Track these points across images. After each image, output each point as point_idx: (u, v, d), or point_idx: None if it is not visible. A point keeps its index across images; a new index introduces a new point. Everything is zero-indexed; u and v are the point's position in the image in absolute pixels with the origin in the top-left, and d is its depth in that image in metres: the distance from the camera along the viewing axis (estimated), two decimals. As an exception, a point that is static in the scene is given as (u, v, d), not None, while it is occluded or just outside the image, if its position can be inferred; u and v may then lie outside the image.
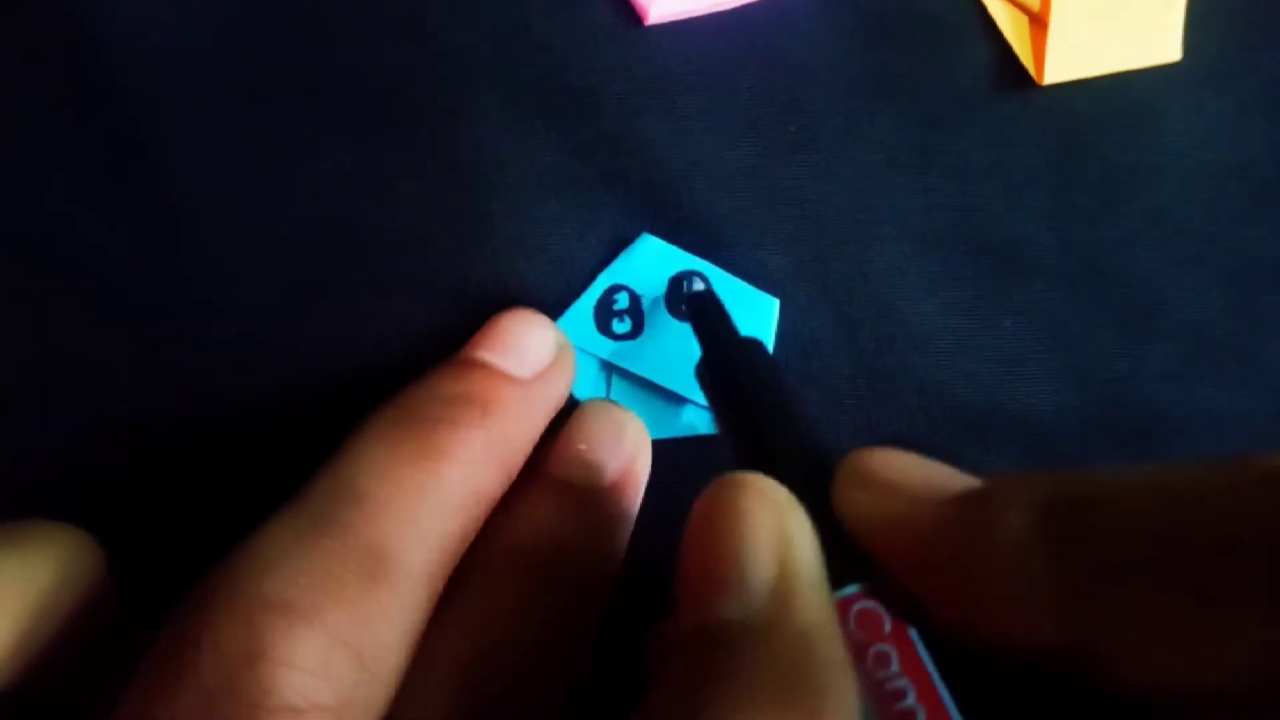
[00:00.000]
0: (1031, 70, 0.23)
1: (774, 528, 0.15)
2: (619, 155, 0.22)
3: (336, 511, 0.17)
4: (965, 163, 0.23)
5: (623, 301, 0.22)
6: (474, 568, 0.19)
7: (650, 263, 0.22)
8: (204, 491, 0.22)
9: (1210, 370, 0.24)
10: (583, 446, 0.21)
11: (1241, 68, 0.24)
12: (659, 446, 0.22)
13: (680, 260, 0.22)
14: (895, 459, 0.16)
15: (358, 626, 0.16)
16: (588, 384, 0.23)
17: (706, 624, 0.15)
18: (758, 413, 0.18)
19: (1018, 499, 0.14)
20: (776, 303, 0.23)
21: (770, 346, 0.23)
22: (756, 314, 0.23)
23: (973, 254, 0.23)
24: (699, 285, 0.22)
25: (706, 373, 0.20)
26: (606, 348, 0.22)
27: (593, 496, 0.20)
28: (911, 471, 0.16)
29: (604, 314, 0.22)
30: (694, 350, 0.21)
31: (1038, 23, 0.23)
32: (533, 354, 0.20)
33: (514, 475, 0.20)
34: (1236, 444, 0.24)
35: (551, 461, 0.21)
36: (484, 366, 0.20)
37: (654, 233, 0.23)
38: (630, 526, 0.21)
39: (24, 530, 0.17)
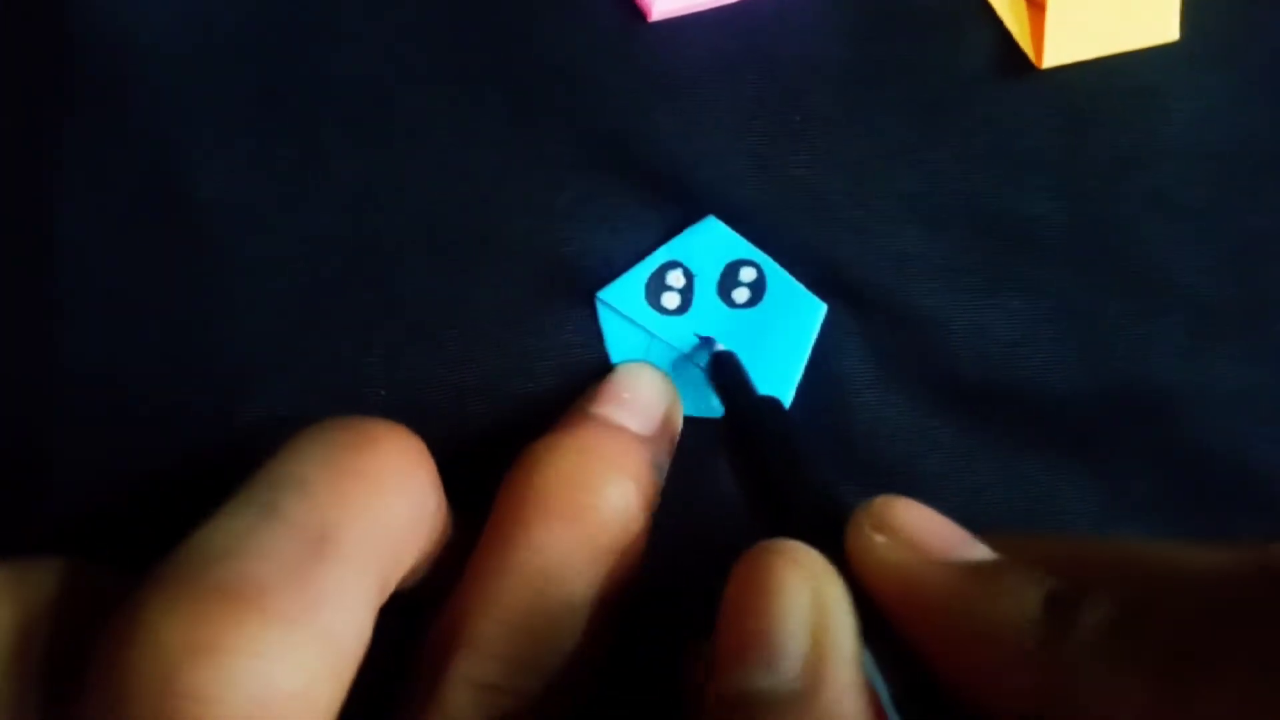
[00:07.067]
0: (1030, 54, 0.23)
1: (810, 599, 0.16)
2: (626, 151, 0.23)
3: (279, 499, 0.17)
4: (968, 147, 0.23)
5: (677, 278, 0.23)
6: (519, 501, 0.19)
7: (710, 245, 0.23)
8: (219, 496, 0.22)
9: (1218, 346, 0.24)
10: (626, 395, 0.21)
11: (1241, 45, 0.24)
12: (688, 423, 0.22)
13: (740, 248, 0.23)
14: (915, 511, 0.17)
15: (309, 608, 0.16)
16: (626, 352, 0.23)
17: (740, 691, 0.15)
18: (772, 471, 0.19)
19: (1027, 583, 0.15)
20: (823, 308, 0.23)
21: (808, 351, 0.23)
22: (800, 316, 0.23)
23: (979, 236, 0.24)
24: (719, 347, 0.23)
25: (726, 432, 0.21)
26: (652, 320, 0.23)
27: (632, 438, 0.21)
28: (931, 528, 0.17)
29: (656, 287, 0.23)
30: (738, 339, 0.22)
31: (1035, 6, 0.23)
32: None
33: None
34: (1245, 419, 0.24)
35: (593, 402, 0.21)
36: None
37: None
38: (662, 479, 0.21)
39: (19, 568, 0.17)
